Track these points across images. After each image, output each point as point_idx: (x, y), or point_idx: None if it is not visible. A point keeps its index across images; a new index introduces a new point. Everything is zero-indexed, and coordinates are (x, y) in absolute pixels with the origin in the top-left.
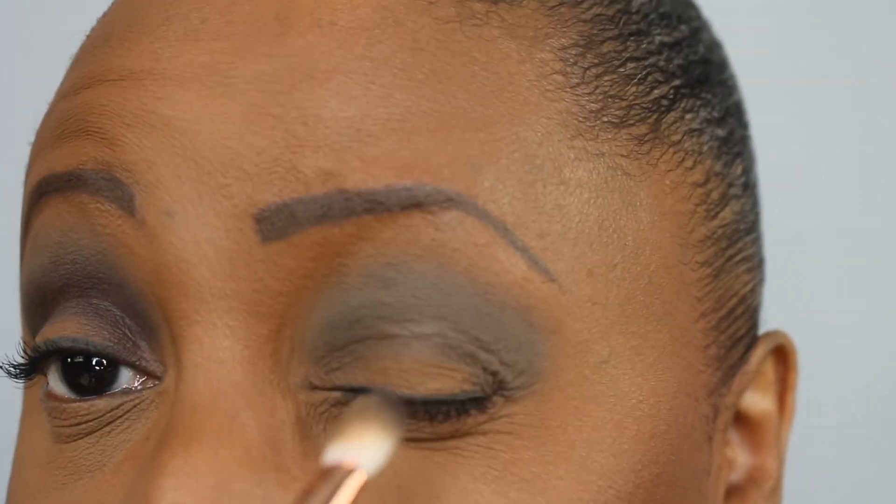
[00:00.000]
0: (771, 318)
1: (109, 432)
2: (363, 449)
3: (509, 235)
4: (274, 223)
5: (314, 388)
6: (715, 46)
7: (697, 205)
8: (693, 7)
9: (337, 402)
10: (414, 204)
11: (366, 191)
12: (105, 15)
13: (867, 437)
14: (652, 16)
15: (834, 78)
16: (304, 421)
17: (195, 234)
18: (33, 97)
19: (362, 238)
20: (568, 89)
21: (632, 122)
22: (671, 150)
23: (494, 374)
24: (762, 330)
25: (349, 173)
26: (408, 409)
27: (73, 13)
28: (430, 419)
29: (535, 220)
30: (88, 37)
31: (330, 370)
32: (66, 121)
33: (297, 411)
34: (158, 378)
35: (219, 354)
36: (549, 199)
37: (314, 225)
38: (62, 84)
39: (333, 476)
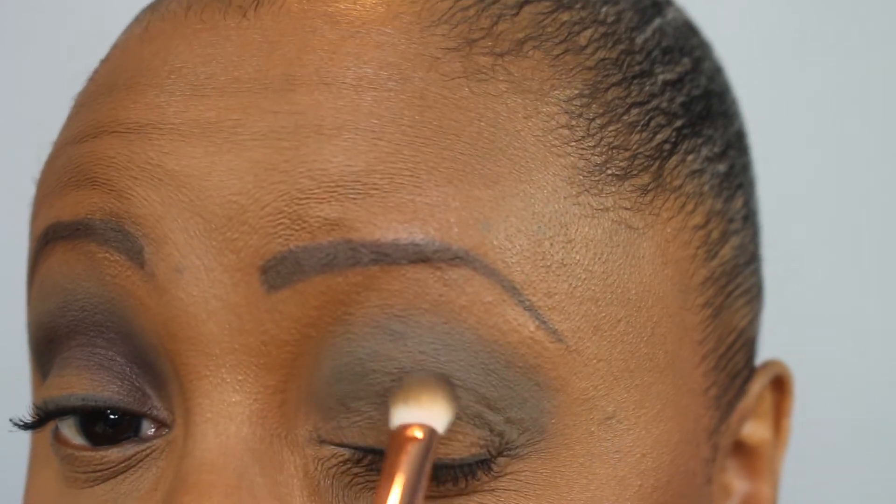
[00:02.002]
0: (766, 333)
1: (123, 480)
2: (434, 414)
3: (517, 295)
4: (279, 272)
5: (323, 441)
6: (716, 74)
7: (698, 248)
8: (694, 32)
9: (347, 460)
10: (422, 259)
11: (372, 242)
12: (108, 60)
13: (865, 450)
14: (655, 53)
15: (835, 94)
16: (312, 475)
17: (204, 291)
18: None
19: (368, 288)
20: (573, 143)
21: (635, 172)
22: (673, 196)
23: (500, 434)
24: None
25: (355, 224)
26: None
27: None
28: (437, 482)
29: (543, 279)
30: (92, 80)
31: (340, 427)
32: (72, 169)
33: (305, 465)
34: (168, 426)
35: (228, 409)
36: (556, 257)
37: (319, 274)
38: (67, 126)
39: (411, 438)
